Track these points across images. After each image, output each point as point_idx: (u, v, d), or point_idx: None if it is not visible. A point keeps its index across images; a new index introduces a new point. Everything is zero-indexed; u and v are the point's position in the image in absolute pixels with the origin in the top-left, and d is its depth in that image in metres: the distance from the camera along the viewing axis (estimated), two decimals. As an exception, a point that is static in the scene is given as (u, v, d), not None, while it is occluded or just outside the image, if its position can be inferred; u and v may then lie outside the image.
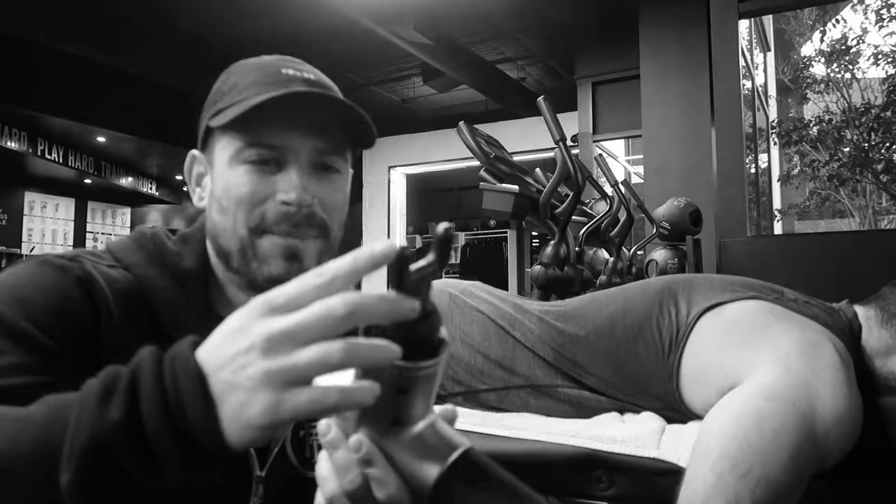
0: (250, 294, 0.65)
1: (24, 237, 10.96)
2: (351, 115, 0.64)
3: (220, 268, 0.68)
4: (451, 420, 0.49)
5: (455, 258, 11.57)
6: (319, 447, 0.72)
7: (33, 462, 0.39)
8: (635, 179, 6.72)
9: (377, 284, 9.34)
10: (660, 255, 2.83)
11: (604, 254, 2.76)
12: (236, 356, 0.38)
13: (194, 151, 0.70)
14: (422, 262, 0.39)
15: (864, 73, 8.94)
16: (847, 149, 8.15)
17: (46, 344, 0.54)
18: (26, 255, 9.97)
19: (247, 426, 0.38)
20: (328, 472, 0.43)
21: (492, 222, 11.23)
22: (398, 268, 0.38)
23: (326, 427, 0.43)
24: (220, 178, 0.64)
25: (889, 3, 7.73)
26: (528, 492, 0.43)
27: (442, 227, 0.39)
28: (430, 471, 0.41)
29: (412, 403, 0.41)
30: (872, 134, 7.68)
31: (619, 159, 6.78)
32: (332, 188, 0.66)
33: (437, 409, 0.50)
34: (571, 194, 1.73)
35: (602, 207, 2.72)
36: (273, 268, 0.63)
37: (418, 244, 11.06)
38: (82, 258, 0.61)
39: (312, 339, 0.38)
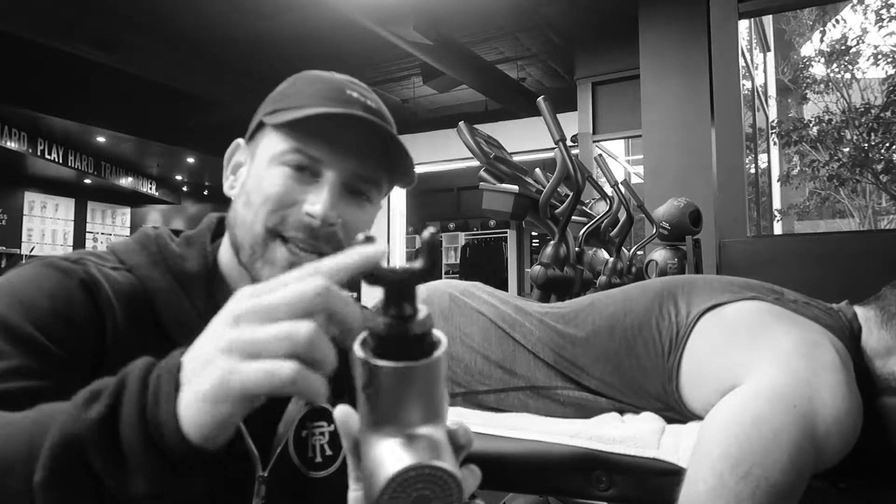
0: None
1: (24, 237, 10.96)
2: (397, 151, 0.65)
3: (230, 265, 0.68)
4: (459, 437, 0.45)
5: (455, 258, 11.58)
6: (322, 447, 0.72)
7: (19, 466, 0.39)
8: (635, 179, 6.72)
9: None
10: (660, 255, 2.84)
11: (604, 254, 2.76)
12: (209, 336, 0.38)
13: (240, 140, 0.71)
14: (408, 265, 0.38)
15: (863, 73, 8.95)
16: (847, 149, 8.15)
17: (49, 347, 0.53)
18: (26, 256, 9.97)
19: (199, 399, 0.37)
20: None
21: (492, 222, 11.23)
22: (431, 252, 0.38)
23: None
24: (257, 173, 0.65)
25: (889, 3, 7.73)
26: None
27: (428, 231, 0.38)
28: (376, 484, 0.37)
29: (393, 404, 0.38)
30: (872, 134, 7.68)
31: (618, 159, 6.78)
32: (359, 213, 0.67)
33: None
34: (571, 194, 1.73)
35: (602, 207, 2.72)
36: (273, 276, 0.63)
37: (418, 244, 11.04)
38: (86, 260, 0.61)
39: (281, 316, 0.37)
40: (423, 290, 0.44)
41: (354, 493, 0.45)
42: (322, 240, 0.63)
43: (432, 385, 0.39)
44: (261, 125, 0.67)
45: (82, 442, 0.38)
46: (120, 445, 0.38)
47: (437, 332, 0.40)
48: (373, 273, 0.38)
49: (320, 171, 0.64)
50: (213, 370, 0.37)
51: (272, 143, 0.65)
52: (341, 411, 0.44)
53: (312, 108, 0.62)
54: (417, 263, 0.37)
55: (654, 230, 2.89)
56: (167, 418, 0.37)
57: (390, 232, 9.07)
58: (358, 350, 0.38)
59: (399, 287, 0.37)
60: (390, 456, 0.37)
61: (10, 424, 0.41)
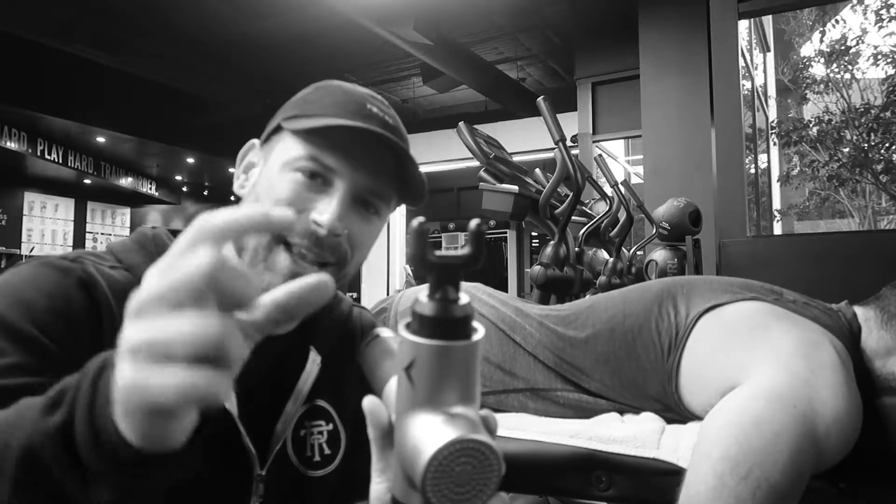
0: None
1: (24, 237, 10.96)
2: (410, 171, 0.66)
3: None
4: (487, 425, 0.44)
5: (455, 258, 11.55)
6: (320, 447, 0.72)
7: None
8: (635, 179, 6.72)
9: (377, 280, 9.34)
10: (659, 255, 2.83)
11: (603, 254, 2.76)
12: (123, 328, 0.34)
13: (255, 141, 0.72)
14: (455, 252, 0.40)
15: (863, 73, 8.95)
16: (847, 149, 8.16)
17: (47, 345, 0.53)
18: (26, 256, 9.97)
19: (119, 412, 0.34)
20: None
21: (491, 222, 11.21)
22: (418, 241, 0.39)
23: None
24: (269, 176, 0.65)
25: (889, 3, 7.73)
26: None
27: (474, 222, 0.40)
28: (421, 460, 0.38)
29: (435, 384, 0.40)
30: (872, 134, 7.69)
31: (618, 159, 6.78)
32: (365, 227, 0.67)
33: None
34: (571, 194, 1.73)
35: (602, 208, 2.72)
36: (273, 284, 0.63)
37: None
38: (84, 259, 0.61)
39: (182, 303, 0.32)
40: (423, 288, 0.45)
41: (378, 485, 0.46)
42: (326, 249, 0.64)
43: (470, 367, 0.41)
44: (278, 129, 0.67)
45: (43, 450, 0.37)
46: (77, 453, 0.37)
47: (476, 322, 0.43)
48: (424, 258, 0.39)
49: (332, 181, 0.64)
50: (123, 373, 0.33)
51: (288, 148, 0.65)
52: (370, 402, 0.44)
53: (332, 119, 0.63)
54: (464, 251, 0.40)
55: (654, 230, 2.89)
56: (110, 424, 0.35)
57: (390, 232, 9.07)
58: (403, 332, 0.40)
59: (446, 272, 0.40)
60: (434, 432, 0.38)
61: None
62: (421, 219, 0.40)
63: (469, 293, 1.18)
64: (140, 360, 0.32)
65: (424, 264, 0.40)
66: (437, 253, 0.40)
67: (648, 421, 1.00)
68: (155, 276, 0.33)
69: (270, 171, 0.66)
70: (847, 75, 8.83)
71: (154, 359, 0.32)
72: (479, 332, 0.42)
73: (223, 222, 0.34)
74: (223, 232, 0.34)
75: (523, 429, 1.01)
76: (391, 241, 9.01)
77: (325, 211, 0.63)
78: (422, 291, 0.41)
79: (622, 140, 6.67)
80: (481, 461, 0.38)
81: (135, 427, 0.35)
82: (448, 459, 0.38)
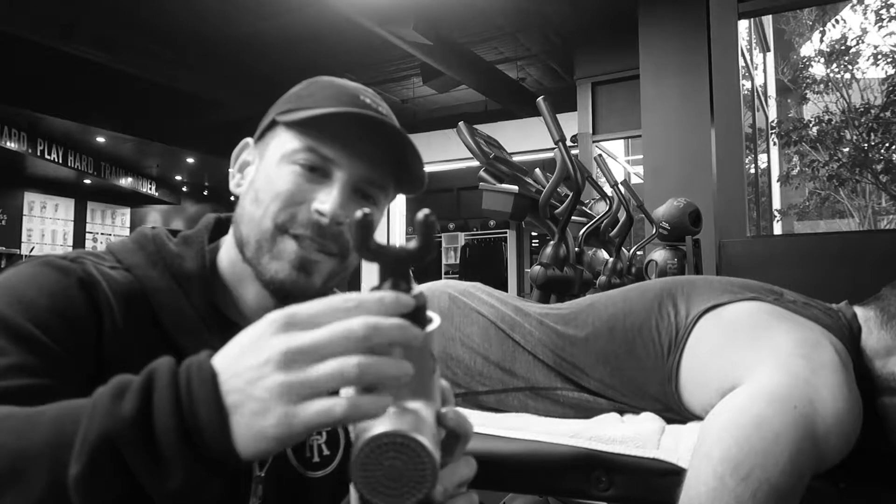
0: (261, 290, 0.66)
1: (24, 237, 10.96)
2: (408, 154, 0.66)
3: (229, 264, 0.68)
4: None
5: (455, 259, 11.57)
6: (319, 447, 0.72)
7: (43, 459, 0.39)
8: (635, 179, 6.72)
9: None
10: (659, 255, 2.84)
11: (603, 254, 2.76)
12: (252, 368, 0.39)
13: (248, 139, 0.72)
14: (404, 245, 0.40)
15: (863, 73, 8.95)
16: (846, 149, 8.16)
17: (48, 345, 0.53)
18: (26, 256, 9.97)
19: (261, 438, 0.39)
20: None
21: (491, 222, 11.23)
22: (359, 231, 0.39)
23: None
24: (267, 171, 0.66)
25: (889, 3, 7.73)
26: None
27: (422, 213, 0.39)
28: (354, 449, 0.40)
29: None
30: (872, 134, 7.69)
31: (618, 159, 6.78)
32: None
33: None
34: (571, 194, 1.73)
35: (602, 208, 2.72)
36: (281, 271, 0.63)
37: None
38: (84, 259, 0.61)
39: (329, 355, 0.38)
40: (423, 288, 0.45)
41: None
42: (329, 238, 0.64)
43: (423, 360, 0.41)
44: (272, 124, 0.67)
45: (117, 438, 0.38)
46: (154, 443, 0.39)
47: (432, 313, 0.42)
48: (370, 249, 0.40)
49: (331, 172, 0.64)
50: (274, 414, 0.38)
51: (284, 142, 0.65)
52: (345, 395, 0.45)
53: (327, 108, 0.63)
54: (413, 244, 0.40)
55: (654, 230, 2.89)
56: (209, 425, 0.38)
57: (390, 232, 9.08)
58: None
59: (393, 263, 0.40)
60: (370, 425, 0.39)
61: (29, 417, 0.41)
62: (427, 210, 0.39)
63: (467, 292, 1.19)
64: (292, 399, 0.38)
65: (366, 255, 0.40)
66: (381, 243, 0.40)
67: (648, 421, 1.00)
68: (294, 321, 0.40)
69: (268, 167, 0.66)
70: (847, 75, 8.83)
71: (305, 397, 0.38)
72: (434, 322, 0.42)
73: (371, 305, 0.40)
74: (373, 310, 0.40)
75: (523, 429, 1.01)
76: (391, 236, 9.01)
77: (327, 200, 0.63)
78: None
79: (622, 140, 6.67)
80: (412, 457, 0.38)
81: (274, 447, 0.39)
82: (375, 453, 0.38)
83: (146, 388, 0.40)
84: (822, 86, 8.83)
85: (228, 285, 0.69)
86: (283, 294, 0.64)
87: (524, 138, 7.45)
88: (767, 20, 7.28)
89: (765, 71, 7.33)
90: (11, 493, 0.39)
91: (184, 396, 0.39)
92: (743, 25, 5.20)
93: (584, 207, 2.83)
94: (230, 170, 0.72)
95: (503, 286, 10.63)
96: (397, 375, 0.39)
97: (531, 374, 1.09)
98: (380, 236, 0.75)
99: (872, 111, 7.73)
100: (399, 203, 9.17)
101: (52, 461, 0.39)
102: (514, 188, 1.69)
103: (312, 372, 0.38)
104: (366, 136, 0.64)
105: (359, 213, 0.39)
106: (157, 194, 12.56)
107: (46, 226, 11.49)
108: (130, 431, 0.38)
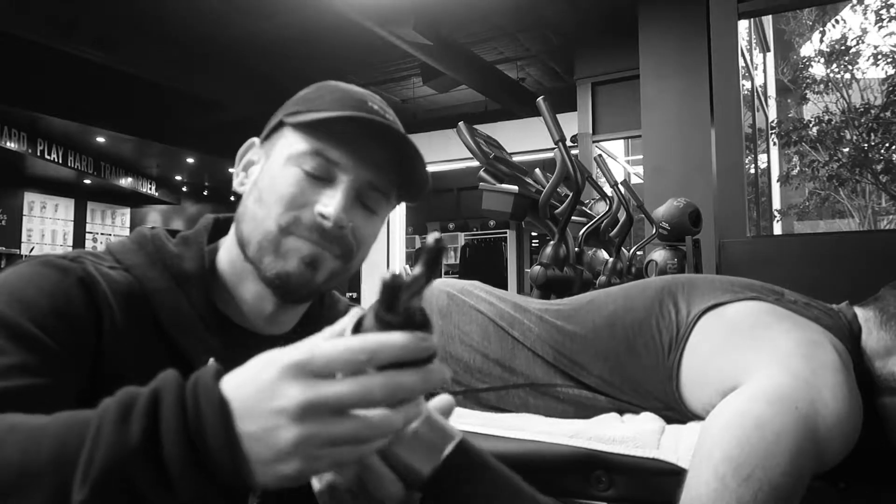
0: (261, 289, 0.66)
1: (24, 237, 10.96)
2: (413, 161, 0.66)
3: (229, 265, 0.68)
4: (446, 411, 0.50)
5: (455, 258, 11.57)
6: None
7: (46, 477, 0.39)
8: (635, 179, 6.72)
9: (377, 280, 9.31)
10: (659, 255, 2.84)
11: (603, 254, 2.76)
12: (267, 415, 0.39)
13: (254, 139, 0.72)
14: (410, 280, 0.39)
15: (863, 73, 8.95)
16: (846, 149, 8.15)
17: (48, 345, 0.53)
18: (26, 256, 9.96)
19: (282, 479, 0.40)
20: None
21: (491, 223, 11.23)
22: (390, 295, 0.39)
23: None
24: (272, 172, 0.65)
25: (889, 3, 7.73)
26: (518, 482, 0.43)
27: (432, 237, 0.39)
28: (424, 465, 0.42)
29: None
30: (872, 134, 7.68)
31: (618, 159, 6.78)
32: (368, 222, 0.67)
33: (434, 401, 0.50)
34: (571, 194, 1.73)
35: (602, 208, 2.72)
36: (290, 266, 0.63)
37: (417, 244, 11.06)
38: (83, 259, 0.61)
39: (346, 411, 0.40)
40: None
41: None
42: (332, 241, 0.64)
43: None
44: (279, 125, 0.67)
45: (126, 466, 0.38)
46: (163, 468, 0.39)
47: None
48: (398, 312, 0.40)
49: (336, 175, 0.64)
50: (295, 464, 0.39)
51: (291, 143, 0.65)
52: None
53: (337, 111, 0.63)
54: (418, 271, 0.39)
55: (654, 230, 2.89)
56: (219, 454, 0.39)
57: (390, 232, 9.07)
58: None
59: (386, 292, 0.40)
60: (434, 436, 0.47)
61: (32, 432, 0.41)
62: (436, 234, 0.39)
63: (466, 290, 1.19)
64: (313, 449, 0.39)
65: (397, 309, 0.40)
66: (389, 272, 0.40)
67: (648, 421, 1.00)
68: (308, 368, 0.40)
69: (273, 167, 0.66)
70: (847, 75, 8.82)
71: (327, 416, 0.40)
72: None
73: (388, 355, 0.40)
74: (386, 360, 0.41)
75: (523, 429, 1.01)
76: (391, 240, 9.01)
77: (330, 203, 0.63)
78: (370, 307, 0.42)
79: (622, 140, 6.67)
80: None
81: (297, 483, 0.40)
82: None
83: (152, 408, 0.40)
84: (822, 86, 8.82)
85: (228, 285, 0.69)
86: (284, 291, 0.64)
87: (524, 138, 7.44)
88: (767, 20, 7.28)
89: (765, 71, 7.33)
90: None
91: (192, 421, 0.39)
92: (743, 25, 5.20)
93: (584, 207, 2.83)
94: (234, 169, 0.72)
95: (503, 286, 10.59)
96: (409, 423, 0.41)
97: (531, 371, 1.09)
98: (380, 241, 0.76)
99: (872, 111, 7.72)
100: (399, 204, 9.15)
101: (56, 478, 0.39)
102: (514, 188, 1.69)
103: (330, 428, 0.39)
104: (372, 142, 0.64)
105: (430, 239, 0.39)
106: (157, 194, 12.56)
107: (46, 226, 11.49)
108: (139, 459, 0.38)
